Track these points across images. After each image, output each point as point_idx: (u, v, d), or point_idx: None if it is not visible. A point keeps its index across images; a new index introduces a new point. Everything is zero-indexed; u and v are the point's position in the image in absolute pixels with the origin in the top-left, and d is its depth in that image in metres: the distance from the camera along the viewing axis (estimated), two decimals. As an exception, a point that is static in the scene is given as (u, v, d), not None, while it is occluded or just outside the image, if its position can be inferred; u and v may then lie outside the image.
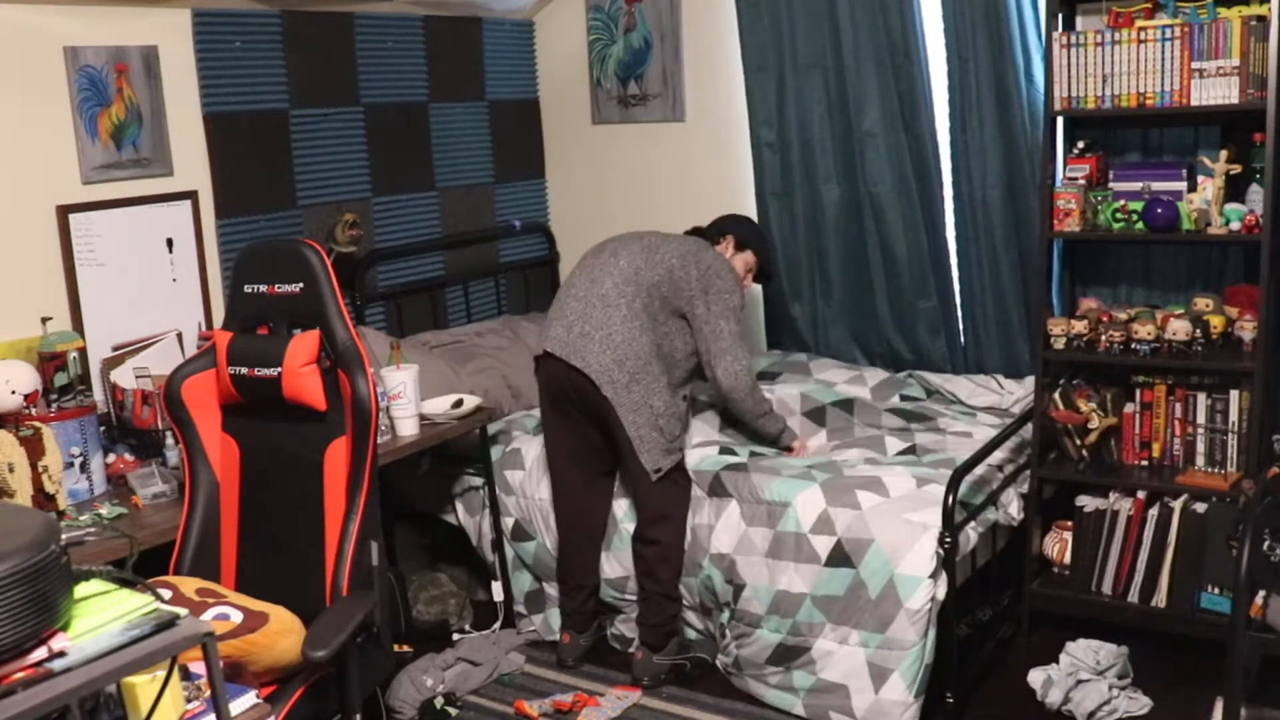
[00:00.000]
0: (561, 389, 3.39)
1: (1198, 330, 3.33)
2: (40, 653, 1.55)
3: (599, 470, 3.47)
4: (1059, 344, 3.45)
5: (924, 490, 3.16)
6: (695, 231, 3.76)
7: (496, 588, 3.68)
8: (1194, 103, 3.23)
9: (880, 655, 3.03)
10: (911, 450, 3.57)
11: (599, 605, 3.57)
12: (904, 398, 3.94)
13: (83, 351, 3.14)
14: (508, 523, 3.67)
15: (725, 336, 3.40)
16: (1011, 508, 3.47)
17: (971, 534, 3.23)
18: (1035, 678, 3.26)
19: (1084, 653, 3.28)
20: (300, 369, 2.47)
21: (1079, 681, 3.20)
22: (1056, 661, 3.30)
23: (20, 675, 1.52)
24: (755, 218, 4.33)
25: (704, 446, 3.53)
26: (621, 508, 3.49)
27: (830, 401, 3.85)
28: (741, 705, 3.30)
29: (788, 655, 3.20)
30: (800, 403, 3.83)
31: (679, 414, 3.42)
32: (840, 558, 3.10)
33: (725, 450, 3.49)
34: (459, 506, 3.86)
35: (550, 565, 3.60)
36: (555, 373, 3.39)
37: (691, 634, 3.52)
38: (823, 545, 3.12)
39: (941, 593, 3.02)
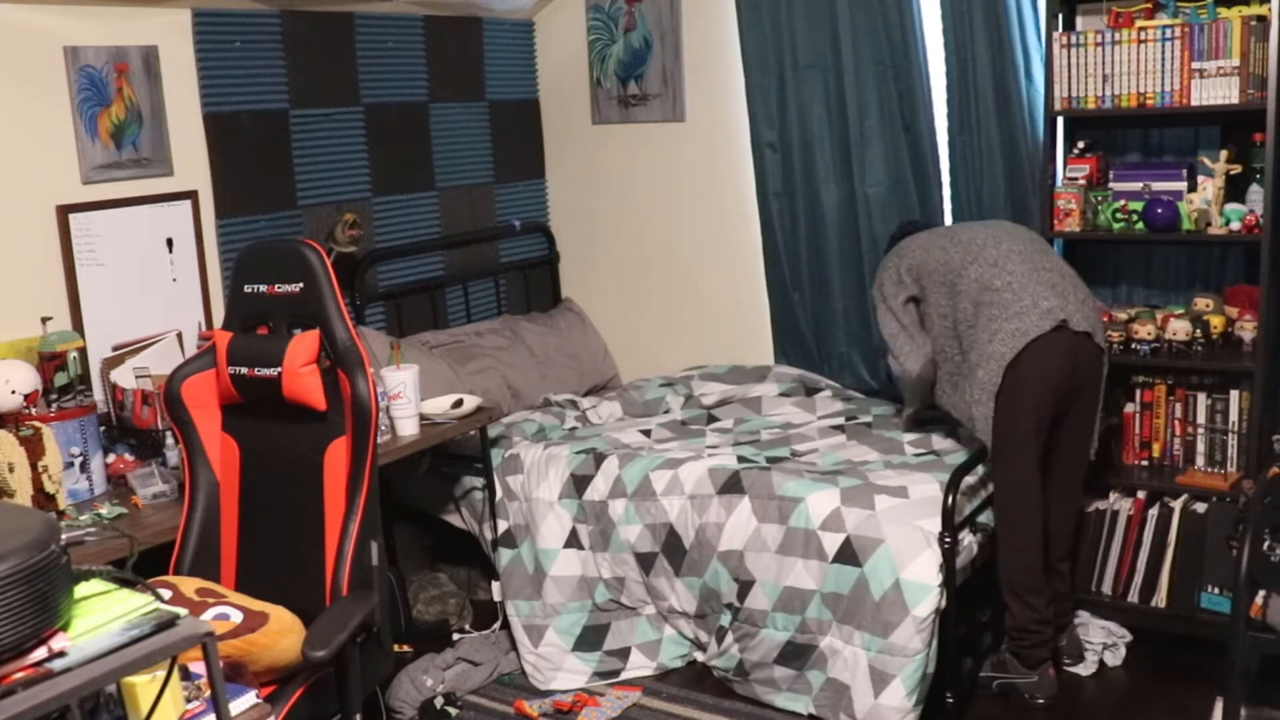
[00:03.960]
0: (1073, 371, 3.12)
1: (1198, 330, 3.33)
2: (40, 653, 1.55)
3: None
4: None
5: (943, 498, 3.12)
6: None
7: (496, 587, 3.68)
8: (1194, 103, 3.23)
9: (882, 660, 3.02)
10: (932, 452, 3.56)
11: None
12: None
13: (83, 351, 3.14)
14: (501, 525, 3.66)
15: None
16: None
17: (974, 545, 3.23)
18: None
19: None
20: (300, 369, 2.47)
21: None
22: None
23: (20, 675, 1.52)
24: (757, 218, 4.33)
25: (722, 455, 3.53)
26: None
27: (854, 425, 3.87)
28: (742, 705, 3.30)
29: (798, 654, 3.19)
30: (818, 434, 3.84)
31: None
32: (847, 555, 3.09)
33: (743, 459, 3.48)
34: (462, 508, 3.86)
35: (525, 575, 3.59)
36: (1066, 350, 3.09)
37: (683, 640, 3.52)
38: (831, 542, 3.12)
39: (945, 598, 3.02)
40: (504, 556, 3.63)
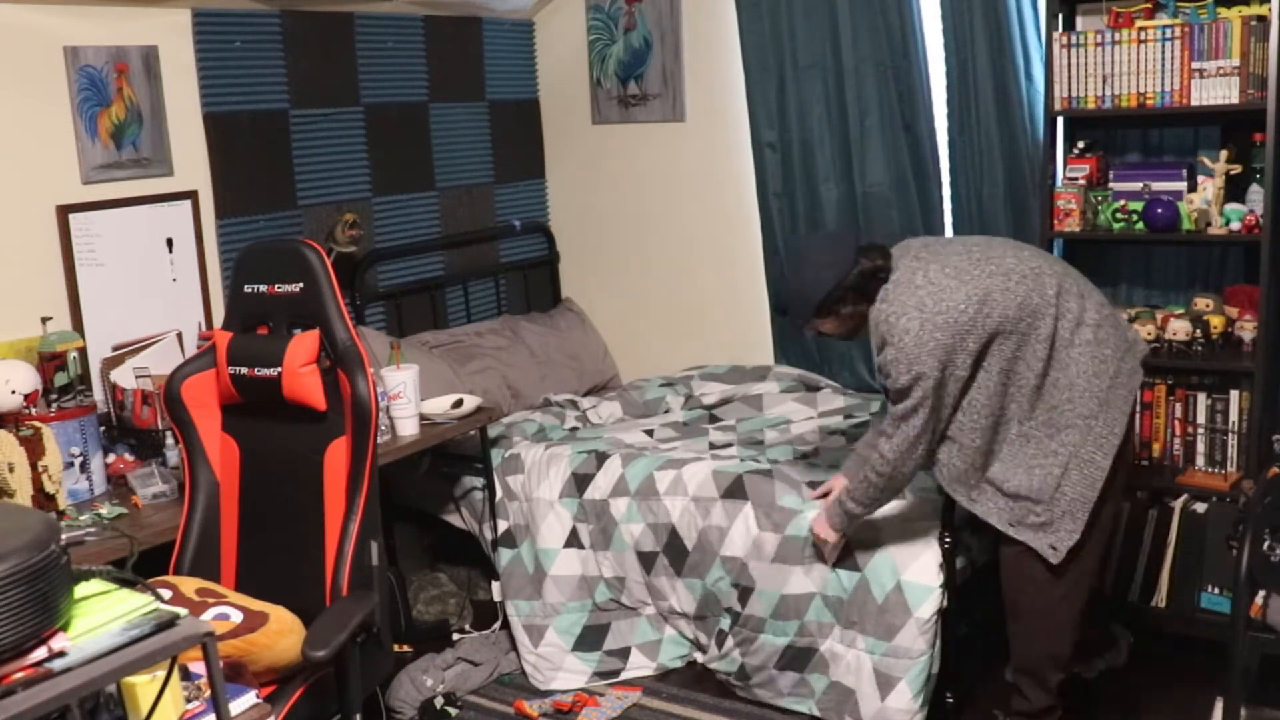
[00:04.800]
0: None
1: (1198, 330, 3.33)
2: (40, 653, 1.55)
3: None
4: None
5: (941, 498, 3.09)
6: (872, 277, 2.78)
7: (496, 587, 3.68)
8: (1194, 103, 3.23)
9: (887, 663, 3.02)
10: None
11: None
12: None
13: (83, 351, 3.14)
14: (501, 525, 3.66)
15: None
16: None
17: (974, 545, 3.23)
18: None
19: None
20: (300, 369, 2.47)
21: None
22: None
23: (20, 675, 1.52)
24: (757, 218, 4.33)
25: (726, 456, 3.53)
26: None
27: (853, 425, 3.86)
28: (743, 705, 3.30)
29: (799, 658, 3.18)
30: (819, 435, 3.83)
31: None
32: (847, 559, 3.09)
33: (745, 460, 3.47)
34: (462, 508, 3.86)
35: (525, 575, 3.59)
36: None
37: (683, 640, 3.52)
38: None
39: (946, 597, 3.01)
40: (504, 556, 3.63)
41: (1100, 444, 2.68)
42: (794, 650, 3.19)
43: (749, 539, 3.25)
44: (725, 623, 3.33)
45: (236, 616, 2.19)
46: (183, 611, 1.69)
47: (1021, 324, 2.65)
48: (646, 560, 3.44)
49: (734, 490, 3.31)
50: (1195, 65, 3.21)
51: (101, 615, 1.65)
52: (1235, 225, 3.22)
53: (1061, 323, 2.67)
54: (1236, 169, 3.28)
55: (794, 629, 3.18)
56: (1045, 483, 2.69)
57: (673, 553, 3.39)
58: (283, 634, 2.22)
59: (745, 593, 3.25)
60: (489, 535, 3.72)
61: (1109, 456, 2.68)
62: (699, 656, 3.50)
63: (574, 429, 3.97)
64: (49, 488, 2.74)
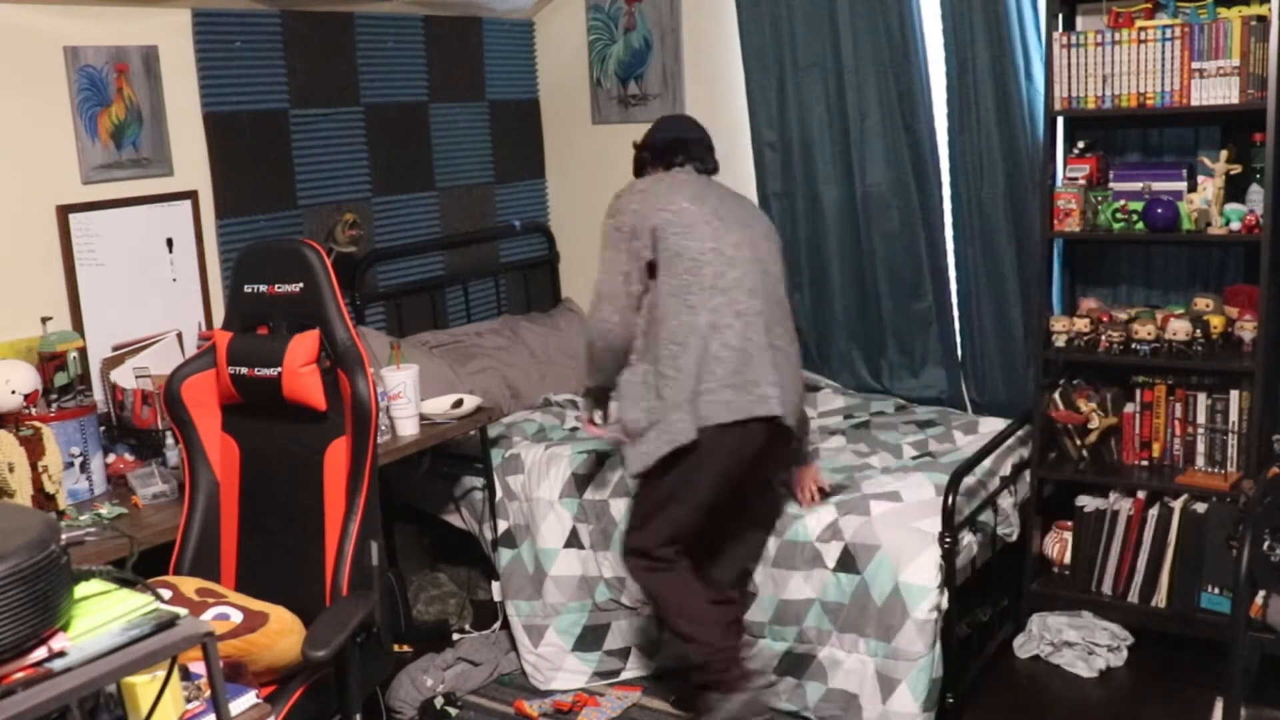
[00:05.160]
0: (752, 455, 2.93)
1: (1198, 330, 3.33)
2: (40, 653, 1.55)
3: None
4: (1060, 342, 3.46)
5: (939, 499, 3.10)
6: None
7: (496, 587, 3.68)
8: (1194, 103, 3.23)
9: (888, 665, 3.02)
10: (928, 454, 3.56)
11: None
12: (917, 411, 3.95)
13: (83, 351, 3.14)
14: (501, 525, 3.66)
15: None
16: (1013, 518, 3.47)
17: (974, 545, 3.23)
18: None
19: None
20: (300, 369, 2.47)
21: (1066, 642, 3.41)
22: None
23: (20, 675, 1.52)
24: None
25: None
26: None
27: (852, 425, 3.87)
28: (741, 705, 3.30)
29: (797, 664, 3.18)
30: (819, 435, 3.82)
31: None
32: (847, 563, 3.08)
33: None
34: (462, 508, 3.85)
35: (525, 575, 3.59)
36: (756, 438, 2.91)
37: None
38: (830, 551, 3.11)
39: (945, 598, 3.01)
40: (504, 556, 3.63)
41: (664, 433, 2.86)
42: (792, 656, 3.18)
43: None
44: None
45: (236, 616, 2.19)
46: (183, 611, 1.69)
47: (689, 274, 2.87)
48: (646, 560, 3.44)
49: None
50: (1195, 65, 3.21)
51: (101, 615, 1.64)
52: (1235, 225, 3.22)
53: (704, 316, 2.86)
54: (1236, 169, 3.28)
55: (793, 635, 3.17)
56: (634, 425, 2.93)
57: (673, 553, 3.39)
58: (283, 634, 2.22)
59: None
60: (489, 535, 3.72)
61: (662, 447, 2.86)
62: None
63: (574, 429, 3.97)
64: (49, 488, 2.75)
